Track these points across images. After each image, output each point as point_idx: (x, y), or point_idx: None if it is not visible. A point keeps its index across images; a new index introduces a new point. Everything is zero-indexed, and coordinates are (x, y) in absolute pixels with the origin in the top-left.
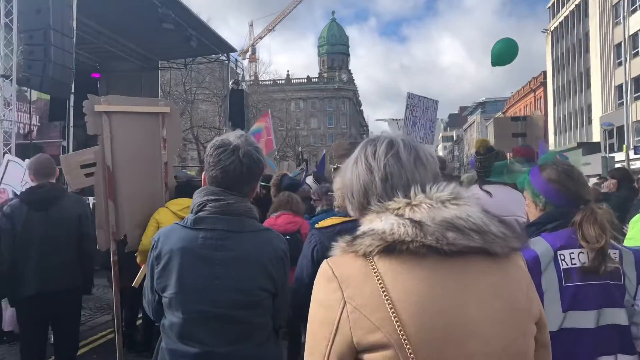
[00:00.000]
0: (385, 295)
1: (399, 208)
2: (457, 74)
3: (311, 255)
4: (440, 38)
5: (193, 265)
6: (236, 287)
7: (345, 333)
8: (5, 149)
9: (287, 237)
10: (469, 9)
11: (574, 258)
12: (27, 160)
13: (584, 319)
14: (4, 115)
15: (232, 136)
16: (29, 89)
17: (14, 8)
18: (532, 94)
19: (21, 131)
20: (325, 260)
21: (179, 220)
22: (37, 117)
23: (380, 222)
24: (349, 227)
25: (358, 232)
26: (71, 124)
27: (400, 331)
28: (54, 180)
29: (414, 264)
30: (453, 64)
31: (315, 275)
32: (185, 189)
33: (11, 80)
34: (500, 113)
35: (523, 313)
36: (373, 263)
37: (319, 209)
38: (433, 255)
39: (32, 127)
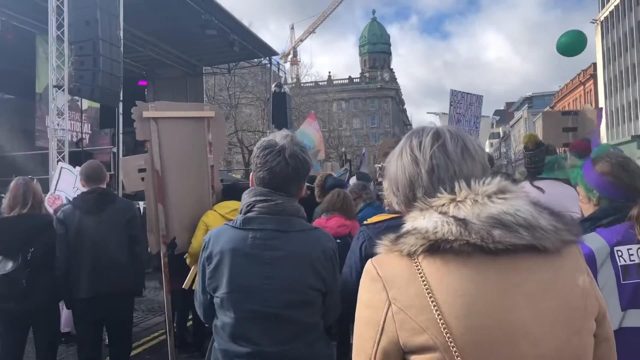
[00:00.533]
0: (430, 297)
1: (443, 205)
2: (502, 68)
3: (359, 252)
4: (484, 33)
5: (243, 265)
6: (286, 286)
7: (391, 334)
8: (59, 157)
9: (338, 240)
10: (512, 2)
11: (632, 254)
12: (78, 167)
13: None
14: (57, 125)
15: (279, 136)
16: (80, 98)
17: (65, 21)
18: (582, 87)
19: (73, 139)
20: (369, 260)
21: (227, 222)
22: (89, 125)
23: (423, 220)
24: (398, 224)
25: (402, 231)
26: (120, 130)
27: (446, 333)
28: (104, 186)
29: (459, 263)
30: (498, 59)
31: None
32: (232, 191)
33: (63, 90)
34: (548, 107)
35: (578, 311)
36: (418, 263)
37: (360, 205)
38: (479, 254)
39: (83, 134)
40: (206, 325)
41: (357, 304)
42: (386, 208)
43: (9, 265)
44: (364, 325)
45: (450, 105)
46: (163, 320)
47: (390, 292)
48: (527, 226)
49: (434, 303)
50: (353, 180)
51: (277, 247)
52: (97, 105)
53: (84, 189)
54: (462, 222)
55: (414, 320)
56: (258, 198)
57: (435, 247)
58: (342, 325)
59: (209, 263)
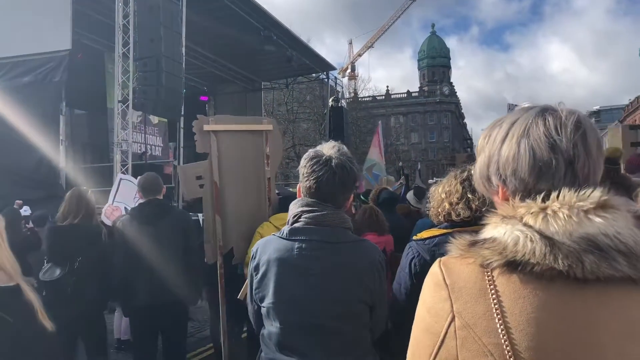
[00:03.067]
0: (499, 320)
1: (531, 213)
2: (568, 80)
3: (409, 269)
4: (547, 44)
5: (289, 275)
6: (332, 297)
7: (450, 350)
8: (123, 169)
9: None
10: (578, 10)
11: None
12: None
13: None
14: (122, 139)
15: (326, 147)
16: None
17: (130, 38)
18: None
19: (138, 151)
20: (438, 260)
21: (274, 233)
22: (160, 138)
23: (503, 231)
24: (448, 240)
25: (479, 237)
26: (182, 144)
27: None
28: (160, 197)
29: (538, 287)
30: (564, 70)
31: (412, 290)
32: (288, 203)
33: (128, 105)
34: (616, 122)
35: None
36: (491, 278)
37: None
38: (563, 279)
39: (149, 147)
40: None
41: (419, 304)
42: (433, 220)
43: (57, 272)
44: (422, 330)
45: None
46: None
47: (456, 304)
48: (627, 253)
49: (502, 327)
50: (409, 195)
51: (322, 258)
52: (166, 120)
53: (142, 200)
54: (549, 240)
55: (479, 340)
56: (305, 209)
57: (514, 265)
58: (390, 342)
59: (256, 273)
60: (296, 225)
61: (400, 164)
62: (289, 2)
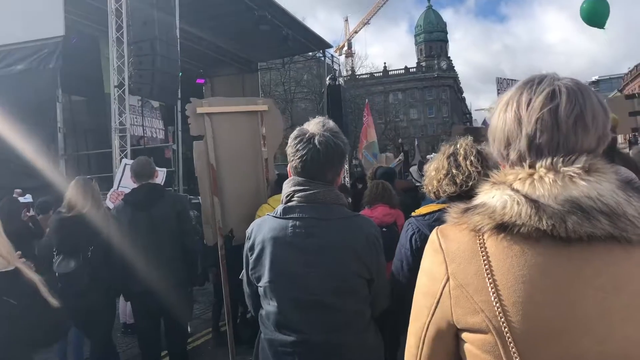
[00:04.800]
0: (489, 278)
1: (519, 179)
2: (566, 50)
3: (409, 245)
4: (544, 13)
5: (285, 253)
6: (329, 273)
7: (445, 308)
8: (122, 155)
9: (384, 229)
10: None
11: None
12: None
13: None
14: (120, 124)
15: (312, 124)
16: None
17: (124, 22)
18: None
19: (139, 134)
20: (436, 228)
21: (269, 213)
22: (162, 122)
23: (492, 197)
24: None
25: (471, 204)
26: (179, 128)
27: (500, 318)
28: (153, 181)
29: (526, 247)
30: (562, 40)
31: (414, 265)
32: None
33: (124, 90)
34: (616, 91)
35: None
36: (482, 240)
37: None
38: (549, 239)
39: (151, 131)
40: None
41: (420, 271)
42: (430, 196)
43: (72, 264)
44: (422, 294)
45: (498, 94)
46: (223, 312)
47: (450, 266)
48: (609, 213)
49: (492, 285)
50: (413, 170)
51: (317, 235)
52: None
53: (135, 185)
54: (534, 203)
55: (471, 298)
56: (297, 188)
57: (503, 228)
58: (392, 319)
59: (252, 253)
60: (289, 204)
61: (400, 140)
62: None
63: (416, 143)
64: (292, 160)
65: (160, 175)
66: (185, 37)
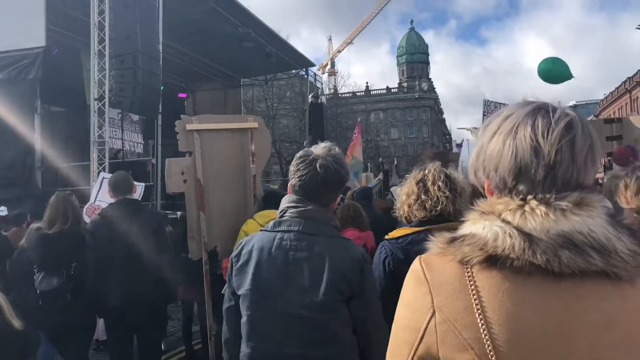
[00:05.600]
0: (479, 314)
1: (510, 210)
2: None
3: (382, 267)
4: (524, 38)
5: (267, 263)
6: (308, 286)
7: (430, 344)
8: (100, 168)
9: None
10: (554, 4)
11: None
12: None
13: None
14: (99, 137)
15: (318, 148)
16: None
17: (106, 35)
18: (628, 95)
19: (118, 147)
20: (418, 257)
21: (262, 228)
22: (142, 135)
23: (482, 227)
24: (421, 238)
25: (458, 233)
26: (159, 142)
27: (492, 356)
28: (131, 196)
29: (517, 282)
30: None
31: (387, 288)
32: (272, 200)
33: (105, 103)
34: (592, 116)
35: None
36: (471, 273)
37: None
38: (541, 274)
39: (130, 144)
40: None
41: (399, 303)
42: (402, 220)
43: (54, 281)
44: (402, 328)
45: (484, 116)
46: (199, 329)
47: (436, 299)
48: (600, 249)
49: (482, 321)
50: (394, 190)
51: (301, 248)
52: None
53: (113, 200)
54: (527, 236)
55: (459, 335)
56: (290, 204)
57: (494, 260)
58: None
59: (237, 261)
60: (281, 219)
61: (381, 159)
62: None
63: (395, 163)
64: (292, 178)
65: (139, 190)
66: (168, 52)
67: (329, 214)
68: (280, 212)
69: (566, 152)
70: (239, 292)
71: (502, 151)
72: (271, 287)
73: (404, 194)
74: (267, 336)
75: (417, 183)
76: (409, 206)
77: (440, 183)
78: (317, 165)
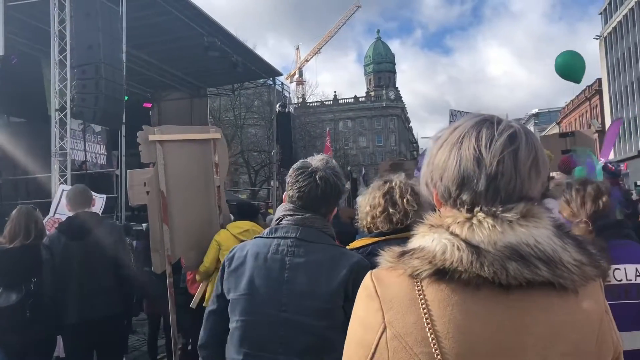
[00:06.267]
0: (429, 328)
1: (458, 223)
2: (508, 83)
3: None
4: (487, 47)
5: (264, 268)
6: (306, 293)
7: None
8: (61, 180)
9: None
10: (516, 14)
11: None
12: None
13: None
14: (60, 148)
15: (315, 160)
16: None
17: (67, 45)
18: (588, 103)
19: (79, 159)
20: (369, 273)
21: (238, 242)
22: (104, 146)
23: (431, 241)
24: (381, 247)
25: (407, 247)
26: (123, 153)
27: None
28: (90, 209)
29: (466, 295)
30: (504, 73)
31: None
32: (247, 210)
33: (66, 114)
34: (554, 124)
35: (589, 357)
36: (421, 288)
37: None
38: (489, 286)
39: (92, 156)
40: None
41: (351, 319)
42: (362, 230)
43: (13, 297)
44: (354, 344)
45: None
46: (164, 343)
47: (387, 315)
48: (546, 261)
49: (432, 336)
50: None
51: (299, 254)
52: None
53: (70, 214)
54: (475, 249)
55: (410, 350)
56: (287, 212)
57: (442, 273)
58: None
59: (230, 264)
60: (277, 225)
61: (349, 168)
62: (232, 5)
63: (362, 172)
64: (290, 189)
65: (99, 202)
66: (133, 61)
67: (326, 222)
68: (277, 219)
69: (509, 163)
70: (230, 296)
71: (447, 161)
72: (267, 292)
73: (367, 205)
74: (262, 342)
75: (384, 195)
76: (373, 218)
77: (408, 196)
78: (317, 177)
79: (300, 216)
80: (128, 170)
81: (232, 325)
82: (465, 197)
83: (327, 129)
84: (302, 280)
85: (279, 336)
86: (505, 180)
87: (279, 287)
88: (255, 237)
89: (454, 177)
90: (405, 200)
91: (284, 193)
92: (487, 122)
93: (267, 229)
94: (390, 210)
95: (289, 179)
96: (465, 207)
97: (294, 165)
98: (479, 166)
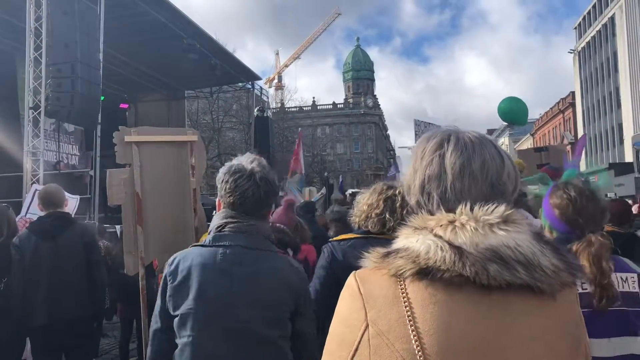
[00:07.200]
0: (411, 325)
1: (441, 225)
2: (485, 93)
3: (325, 264)
4: (464, 57)
5: (212, 279)
6: (256, 300)
7: (364, 358)
8: (34, 179)
9: None
10: (493, 26)
11: (584, 283)
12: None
13: (596, 348)
14: (33, 147)
15: (245, 161)
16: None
17: (43, 42)
18: (561, 115)
19: (52, 160)
20: (353, 273)
21: (195, 244)
22: (76, 147)
23: (416, 241)
24: (363, 243)
25: (392, 248)
26: (98, 154)
27: None
28: (62, 209)
29: (447, 294)
30: (481, 83)
31: (328, 284)
32: None
33: (40, 112)
34: (528, 135)
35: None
36: (404, 286)
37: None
38: (471, 286)
39: (65, 156)
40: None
41: (333, 318)
42: (355, 227)
43: None
44: (336, 343)
45: (416, 135)
46: (136, 347)
47: (370, 313)
48: (525, 264)
49: (414, 333)
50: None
51: (247, 263)
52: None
53: (42, 213)
54: (457, 250)
55: (392, 346)
56: (229, 220)
57: (425, 273)
58: None
59: (173, 279)
60: (220, 233)
61: (326, 173)
62: (212, 8)
63: (340, 180)
64: (231, 196)
65: (72, 203)
66: (110, 61)
67: (268, 227)
68: (218, 227)
69: (436, 167)
70: (177, 312)
71: (418, 171)
72: (217, 304)
73: (365, 204)
74: (216, 356)
75: (385, 200)
76: (367, 217)
77: (409, 208)
78: (257, 179)
79: (245, 223)
80: (107, 170)
81: (182, 340)
82: (410, 200)
83: (299, 129)
84: (252, 289)
85: (233, 348)
86: (434, 184)
87: (230, 298)
88: (195, 246)
89: (419, 187)
90: (405, 211)
91: (217, 199)
92: (453, 133)
93: (209, 237)
94: (387, 216)
95: (224, 184)
96: (444, 210)
97: (227, 170)
98: (415, 173)
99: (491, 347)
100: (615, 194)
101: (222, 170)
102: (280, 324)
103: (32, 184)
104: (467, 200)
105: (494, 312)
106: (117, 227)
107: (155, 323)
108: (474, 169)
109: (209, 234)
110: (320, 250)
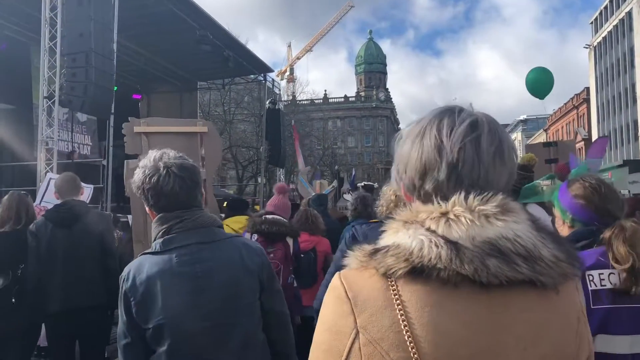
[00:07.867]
0: (407, 331)
1: (433, 218)
2: (498, 88)
3: (346, 247)
4: (478, 50)
5: (175, 285)
6: (224, 293)
7: None
8: (47, 169)
9: (302, 255)
10: (507, 19)
11: (603, 279)
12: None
13: (616, 344)
14: (47, 136)
15: (151, 162)
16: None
17: (58, 32)
18: (575, 111)
19: (66, 150)
20: (337, 274)
21: (144, 252)
22: (89, 136)
23: (406, 237)
24: (377, 226)
25: (380, 245)
26: (111, 143)
27: None
28: (78, 198)
29: (444, 294)
30: (494, 77)
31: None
32: (238, 206)
33: (54, 102)
34: (541, 130)
35: (569, 357)
36: (396, 287)
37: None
38: (468, 285)
39: (79, 146)
40: None
41: (318, 324)
42: (380, 215)
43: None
44: (323, 352)
45: None
46: None
47: (360, 318)
48: (526, 256)
49: (410, 339)
50: (349, 197)
51: (205, 258)
52: (96, 118)
53: (59, 201)
54: (453, 245)
55: (386, 355)
56: (173, 222)
57: (419, 272)
58: None
59: (134, 294)
60: (168, 236)
61: (337, 167)
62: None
63: (353, 173)
64: (159, 198)
65: (87, 192)
66: (124, 52)
67: (212, 215)
68: (164, 231)
69: (470, 150)
70: (148, 325)
71: (410, 153)
72: (186, 307)
73: (394, 194)
74: (198, 355)
75: None
76: (389, 206)
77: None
78: (175, 171)
79: (190, 219)
80: (125, 161)
81: (161, 349)
82: (427, 186)
83: (292, 122)
84: (216, 283)
85: (212, 347)
86: (467, 168)
87: (198, 298)
88: (144, 255)
89: (417, 167)
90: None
91: (147, 208)
92: (449, 112)
93: (157, 243)
94: None
95: (148, 193)
96: (436, 200)
97: (142, 179)
98: (439, 155)
99: (493, 349)
100: (629, 192)
101: (136, 182)
102: (254, 310)
103: (46, 172)
104: (474, 183)
105: (494, 312)
106: (129, 216)
107: (125, 338)
108: (504, 155)
109: (153, 241)
110: (333, 241)
